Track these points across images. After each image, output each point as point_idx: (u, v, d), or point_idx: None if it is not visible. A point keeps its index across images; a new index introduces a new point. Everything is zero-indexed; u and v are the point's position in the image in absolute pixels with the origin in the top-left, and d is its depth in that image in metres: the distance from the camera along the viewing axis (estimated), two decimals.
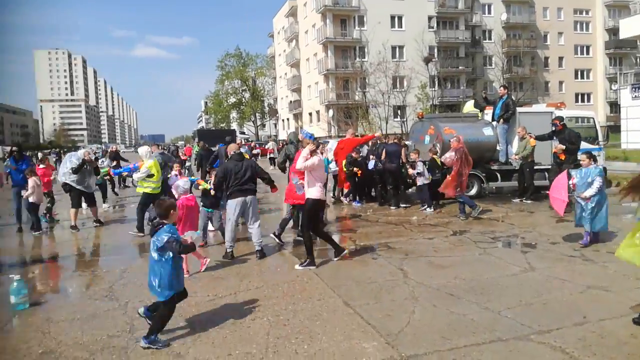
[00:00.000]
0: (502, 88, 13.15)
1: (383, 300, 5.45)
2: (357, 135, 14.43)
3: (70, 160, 10.43)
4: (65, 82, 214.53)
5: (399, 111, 41.87)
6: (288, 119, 63.31)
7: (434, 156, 11.63)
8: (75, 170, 10.21)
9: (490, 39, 51.53)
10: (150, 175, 9.45)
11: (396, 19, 47.42)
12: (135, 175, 9.77)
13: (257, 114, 68.47)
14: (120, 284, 6.47)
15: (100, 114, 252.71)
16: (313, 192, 6.94)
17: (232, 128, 66.33)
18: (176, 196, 7.17)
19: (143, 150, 10.20)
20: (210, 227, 8.80)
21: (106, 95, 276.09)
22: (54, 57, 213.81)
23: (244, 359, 4.11)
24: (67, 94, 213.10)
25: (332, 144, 14.85)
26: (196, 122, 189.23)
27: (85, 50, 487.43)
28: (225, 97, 68.91)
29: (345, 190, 13.47)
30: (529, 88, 48.76)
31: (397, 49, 46.71)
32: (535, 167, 12.26)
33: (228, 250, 7.52)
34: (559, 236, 8.34)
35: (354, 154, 12.29)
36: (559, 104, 14.02)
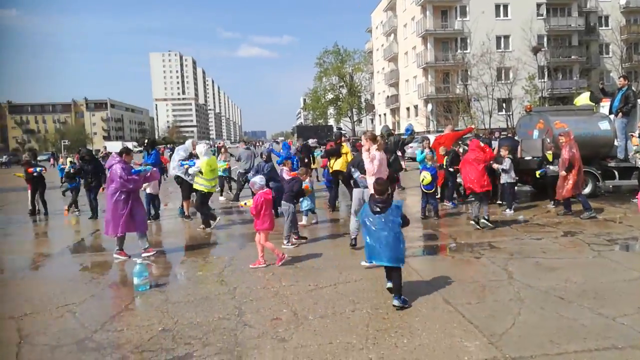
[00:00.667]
0: (621, 79, 12.10)
1: (486, 300, 5.29)
2: (456, 131, 13.97)
3: (178, 153, 11.17)
4: (177, 82, 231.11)
5: (503, 104, 39.89)
6: (385, 114, 62.92)
7: (549, 152, 10.93)
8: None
9: (607, 25, 47.22)
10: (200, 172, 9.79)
11: (501, 7, 45.17)
12: (191, 170, 10.21)
13: (353, 110, 68.85)
14: (229, 270, 6.91)
15: (209, 111, 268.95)
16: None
17: (329, 124, 67.34)
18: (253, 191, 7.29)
19: (200, 147, 10.55)
20: (303, 221, 9.15)
21: (213, 94, 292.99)
22: (167, 59, 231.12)
23: (344, 348, 4.22)
24: (179, 93, 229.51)
25: (431, 140, 14.57)
26: (295, 118, 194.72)
27: (196, 52, 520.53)
28: (323, 94, 70.08)
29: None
30: None
31: (502, 39, 44.49)
32: None
33: (352, 237, 7.74)
34: None
35: (455, 149, 11.91)
36: None
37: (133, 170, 7.91)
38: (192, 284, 6.44)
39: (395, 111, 58.50)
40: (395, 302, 5.08)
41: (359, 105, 70.31)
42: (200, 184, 9.90)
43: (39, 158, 17.20)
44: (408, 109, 52.32)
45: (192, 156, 10.94)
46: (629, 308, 4.86)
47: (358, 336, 4.44)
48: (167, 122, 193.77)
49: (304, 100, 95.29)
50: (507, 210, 10.57)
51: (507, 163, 10.60)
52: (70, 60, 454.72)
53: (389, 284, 5.35)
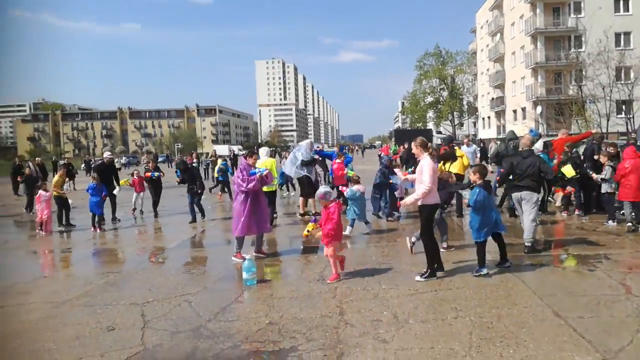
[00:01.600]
0: None
1: (601, 315, 4.95)
2: (571, 135, 13.04)
3: (296, 155, 11.65)
4: (280, 88, 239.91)
5: (623, 107, 36.47)
6: (489, 117, 60.34)
7: None
8: (306, 163, 11.52)
9: None
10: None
11: (621, 2, 41.36)
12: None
13: (454, 113, 66.83)
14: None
15: (308, 116, 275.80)
16: (430, 197, 6.40)
17: (428, 127, 65.98)
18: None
19: (263, 150, 11.49)
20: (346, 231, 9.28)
21: (313, 99, 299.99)
22: (270, 66, 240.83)
23: (446, 353, 4.19)
24: (280, 99, 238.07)
25: (539, 145, 13.69)
26: (392, 122, 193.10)
27: (298, 58, 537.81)
28: (423, 97, 68.81)
29: (559, 197, 11.66)
30: None
31: (622, 36, 40.71)
32: None
33: (527, 244, 7.61)
34: None
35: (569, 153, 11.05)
36: None
37: (251, 172, 8.03)
38: (295, 281, 6.71)
39: (500, 114, 55.90)
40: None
41: (461, 108, 68.10)
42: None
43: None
44: (515, 111, 49.74)
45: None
46: None
47: (461, 343, 4.38)
48: (269, 126, 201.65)
49: (402, 103, 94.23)
50: (609, 222, 9.65)
51: (607, 171, 9.62)
52: (184, 69, 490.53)
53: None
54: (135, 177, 14.35)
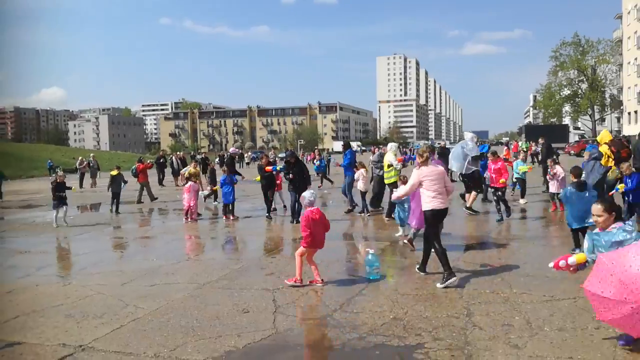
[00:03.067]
0: None
1: None
2: None
3: (465, 150, 11.28)
4: (400, 84, 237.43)
5: None
6: (636, 112, 53.97)
7: None
8: (476, 158, 11.45)
9: None
10: (389, 166, 11.60)
11: None
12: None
13: (595, 107, 60.82)
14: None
15: (429, 112, 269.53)
16: (427, 203, 6.59)
17: (564, 123, 60.85)
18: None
19: (390, 145, 12.56)
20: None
21: (435, 94, 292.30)
22: (392, 62, 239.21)
23: None
24: (400, 95, 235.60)
25: None
26: (523, 117, 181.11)
27: (421, 52, 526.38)
28: (558, 90, 63.65)
29: None
30: None
31: None
32: None
33: None
34: None
35: None
36: None
37: None
38: (418, 279, 6.66)
39: None
40: None
41: (602, 101, 61.78)
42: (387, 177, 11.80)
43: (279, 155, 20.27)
44: None
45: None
46: None
47: (603, 356, 4.04)
48: (389, 123, 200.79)
49: (534, 97, 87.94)
50: None
51: None
52: (308, 68, 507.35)
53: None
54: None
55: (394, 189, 11.72)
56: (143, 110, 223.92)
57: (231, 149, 15.88)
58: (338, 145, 52.49)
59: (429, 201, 6.50)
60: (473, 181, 11.64)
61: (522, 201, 13.04)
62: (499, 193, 10.50)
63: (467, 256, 7.80)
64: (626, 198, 8.98)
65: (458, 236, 9.40)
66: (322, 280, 6.53)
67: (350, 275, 7.12)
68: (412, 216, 8.19)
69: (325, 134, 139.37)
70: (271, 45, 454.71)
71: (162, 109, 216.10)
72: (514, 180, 13.76)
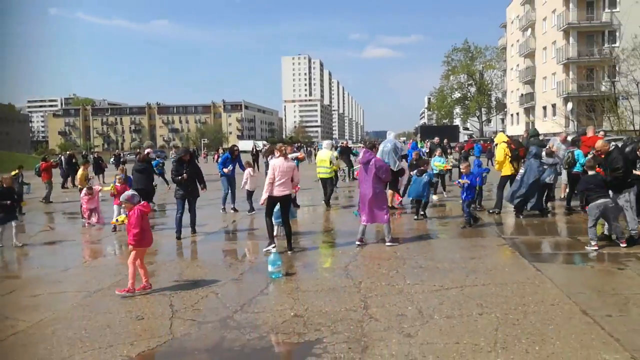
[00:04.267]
0: None
1: (630, 314, 4.87)
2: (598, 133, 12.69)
3: (396, 148, 11.60)
4: (305, 84, 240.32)
5: None
6: (518, 114, 59.23)
7: None
8: (403, 156, 11.93)
9: None
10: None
11: None
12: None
13: (482, 109, 65.85)
14: (354, 264, 7.13)
15: (333, 112, 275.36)
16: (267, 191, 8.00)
17: (455, 124, 65.19)
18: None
19: (326, 142, 13.44)
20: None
21: (338, 95, 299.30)
22: (297, 62, 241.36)
23: (471, 349, 4.18)
24: (306, 95, 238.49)
25: (556, 142, 13.43)
26: (419, 118, 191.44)
27: (325, 54, 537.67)
28: (450, 93, 68.00)
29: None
30: None
31: None
32: None
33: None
34: None
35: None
36: None
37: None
38: (320, 275, 6.77)
39: (529, 110, 54.78)
40: None
41: (489, 104, 67.04)
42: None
43: None
44: (545, 108, 48.69)
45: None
46: None
47: (486, 339, 4.36)
48: (294, 122, 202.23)
49: (429, 99, 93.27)
50: None
51: None
52: (210, 66, 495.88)
53: None
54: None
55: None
56: (29, 107, 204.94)
57: (147, 150, 14.25)
58: (248, 144, 51.85)
59: (268, 188, 7.87)
60: (396, 178, 12.00)
61: (435, 197, 13.46)
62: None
63: (366, 251, 8.05)
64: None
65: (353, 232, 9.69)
66: (150, 285, 6.28)
67: (253, 275, 7.05)
68: (363, 212, 8.33)
69: (231, 132, 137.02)
70: (172, 40, 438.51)
71: (51, 105, 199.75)
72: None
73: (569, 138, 12.95)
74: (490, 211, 11.24)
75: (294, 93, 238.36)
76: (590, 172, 7.75)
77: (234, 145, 13.57)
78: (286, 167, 7.94)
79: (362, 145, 41.78)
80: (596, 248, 7.42)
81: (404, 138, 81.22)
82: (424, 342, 4.37)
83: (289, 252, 7.97)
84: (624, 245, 7.45)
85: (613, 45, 38.79)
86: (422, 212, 10.85)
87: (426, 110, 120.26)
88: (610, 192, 7.74)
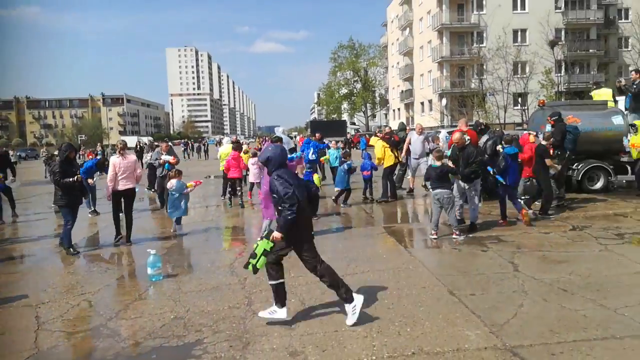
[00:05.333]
0: (633, 72, 11.87)
1: (490, 292, 5.38)
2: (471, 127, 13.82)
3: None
4: (193, 78, 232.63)
5: (519, 99, 39.52)
6: (399, 109, 62.73)
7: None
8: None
9: (626, 18, 46.40)
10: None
11: (519, 0, 44.59)
12: None
13: (367, 105, 68.75)
14: (240, 261, 7.06)
15: (223, 106, 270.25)
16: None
17: (343, 119, 67.35)
18: None
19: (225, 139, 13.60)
20: None
21: (228, 89, 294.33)
22: (183, 54, 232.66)
23: (349, 335, 4.35)
24: (194, 89, 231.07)
25: (443, 134, 14.56)
26: (309, 113, 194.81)
27: (212, 47, 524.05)
28: (337, 88, 70.03)
29: None
30: None
31: (519, 33, 43.97)
32: None
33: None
34: None
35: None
36: None
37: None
38: (203, 274, 6.61)
39: (409, 106, 58.28)
40: None
41: (373, 100, 70.15)
42: None
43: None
44: (422, 103, 52.10)
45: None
46: (631, 300, 4.91)
47: (363, 324, 4.56)
48: (182, 117, 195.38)
49: (318, 95, 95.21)
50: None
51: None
52: (87, 56, 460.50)
53: None
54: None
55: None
56: None
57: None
58: (132, 140, 48.81)
59: (111, 185, 8.33)
60: None
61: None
62: None
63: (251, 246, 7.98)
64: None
65: (243, 229, 9.64)
66: None
67: (131, 279, 6.70)
68: (265, 211, 8.05)
69: (112, 128, 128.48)
70: (44, 27, 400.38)
71: None
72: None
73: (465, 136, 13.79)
74: (378, 200, 11.82)
75: (181, 86, 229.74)
76: (437, 163, 7.90)
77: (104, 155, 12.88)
78: (126, 163, 8.44)
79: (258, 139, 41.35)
80: (435, 236, 7.84)
81: (296, 133, 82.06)
82: (305, 333, 4.46)
83: (128, 243, 8.52)
84: (456, 235, 7.88)
85: (481, 45, 42.54)
86: (347, 202, 11.53)
87: (316, 106, 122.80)
88: (461, 183, 8.36)
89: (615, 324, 4.36)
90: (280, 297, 4.71)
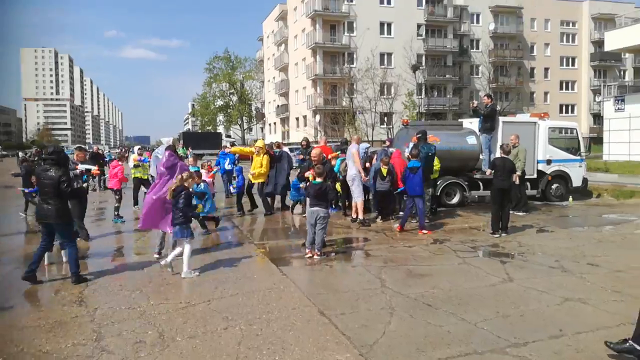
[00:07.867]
0: (485, 97, 13.05)
1: (360, 309, 5.35)
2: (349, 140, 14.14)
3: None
4: (51, 81, 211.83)
5: (385, 118, 42.01)
6: (275, 123, 63.16)
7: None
8: None
9: (477, 48, 52.05)
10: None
11: (385, 25, 47.60)
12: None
13: (244, 118, 68.28)
14: (91, 289, 6.27)
15: (86, 114, 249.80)
16: None
17: (218, 131, 66.07)
18: None
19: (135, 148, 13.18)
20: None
21: (92, 96, 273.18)
22: (40, 56, 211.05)
23: None
24: (52, 93, 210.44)
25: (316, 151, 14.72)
26: (182, 124, 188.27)
27: (76, 50, 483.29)
28: (213, 100, 68.65)
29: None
30: (515, 98, 49.38)
31: (386, 56, 46.87)
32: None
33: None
34: (539, 246, 8.33)
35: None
36: (542, 115, 14.10)
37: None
38: (45, 305, 5.74)
39: (285, 120, 58.91)
40: None
41: (250, 113, 69.85)
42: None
43: None
44: (297, 119, 52.97)
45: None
46: (489, 313, 5.19)
47: (228, 356, 4.22)
48: (38, 124, 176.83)
49: (193, 105, 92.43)
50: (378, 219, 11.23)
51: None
52: None
53: None
54: None
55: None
56: None
57: None
58: None
59: None
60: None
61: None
62: None
63: (109, 270, 7.19)
64: None
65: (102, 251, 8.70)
66: None
67: None
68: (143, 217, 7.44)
69: None
70: None
71: None
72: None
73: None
74: (265, 214, 11.62)
75: (37, 90, 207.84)
76: (318, 180, 7.72)
77: None
78: None
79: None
80: (309, 255, 7.66)
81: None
82: None
83: None
84: (317, 256, 7.59)
85: (351, 65, 44.57)
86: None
87: (190, 117, 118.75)
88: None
89: (476, 339, 4.54)
90: None
